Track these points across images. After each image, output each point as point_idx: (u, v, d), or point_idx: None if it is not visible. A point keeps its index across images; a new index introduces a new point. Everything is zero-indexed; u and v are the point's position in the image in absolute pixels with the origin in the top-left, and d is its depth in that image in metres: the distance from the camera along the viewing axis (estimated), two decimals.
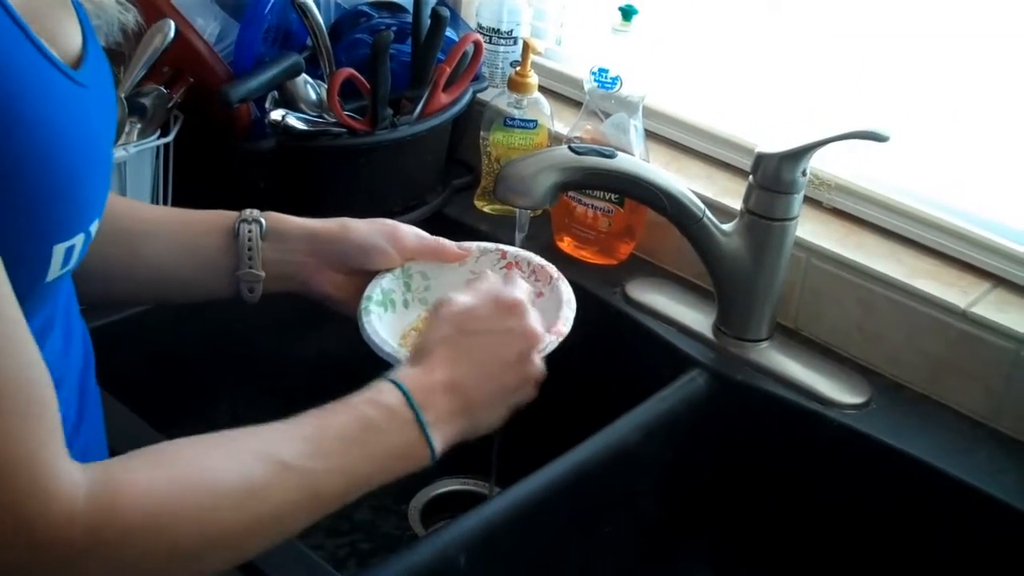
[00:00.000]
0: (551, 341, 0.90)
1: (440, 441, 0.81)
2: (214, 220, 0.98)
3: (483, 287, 0.90)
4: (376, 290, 0.97)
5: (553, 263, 1.02)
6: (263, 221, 0.97)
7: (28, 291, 0.65)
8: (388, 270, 0.99)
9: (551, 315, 0.93)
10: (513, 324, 0.88)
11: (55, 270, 0.69)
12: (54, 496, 0.61)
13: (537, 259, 1.01)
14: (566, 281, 0.98)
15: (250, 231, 0.96)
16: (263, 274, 0.97)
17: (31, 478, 0.61)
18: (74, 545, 0.62)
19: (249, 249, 0.96)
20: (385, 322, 0.95)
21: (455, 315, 0.88)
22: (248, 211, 0.97)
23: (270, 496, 0.72)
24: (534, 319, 0.89)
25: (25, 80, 0.63)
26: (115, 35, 0.81)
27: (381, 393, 0.81)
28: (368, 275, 0.98)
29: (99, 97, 0.73)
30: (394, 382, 0.81)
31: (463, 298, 0.89)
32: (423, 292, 1.00)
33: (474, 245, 1.02)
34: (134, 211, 0.97)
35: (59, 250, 0.68)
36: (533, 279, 0.99)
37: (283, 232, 0.98)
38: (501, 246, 1.02)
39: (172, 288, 0.98)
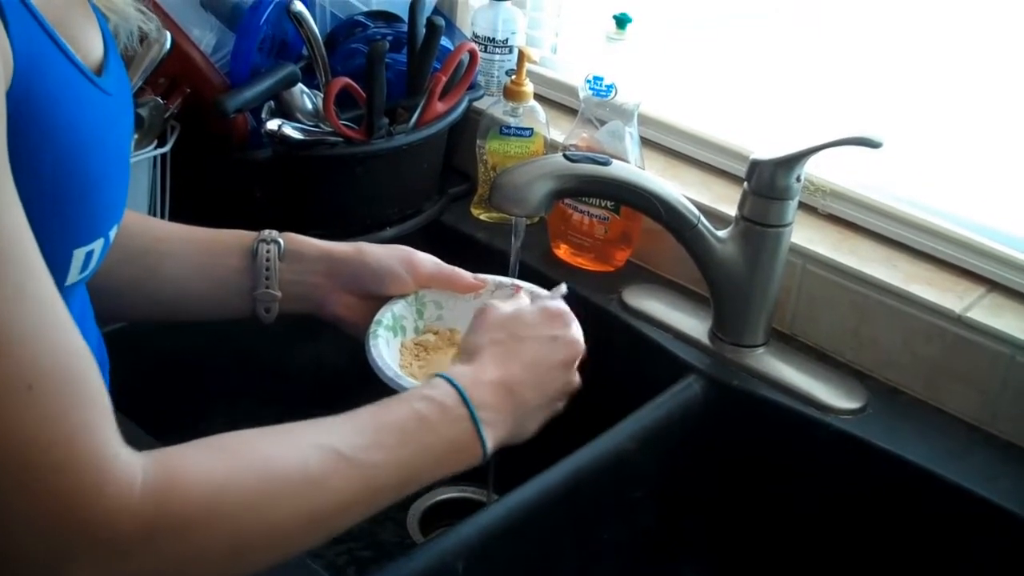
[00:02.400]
0: None
1: (491, 439, 0.83)
2: (232, 240, 0.98)
3: (529, 304, 0.94)
4: (387, 315, 0.97)
5: (549, 271, 1.02)
6: (281, 241, 0.97)
7: None
8: (401, 296, 0.99)
9: None
10: (560, 332, 0.91)
11: (74, 274, 0.69)
12: (110, 482, 0.60)
13: (545, 293, 1.01)
14: (578, 324, 0.98)
15: (268, 251, 0.97)
16: (280, 294, 0.97)
17: (85, 463, 0.59)
18: (131, 534, 0.61)
19: (267, 269, 0.97)
20: (392, 347, 0.95)
21: (504, 319, 0.90)
22: (267, 232, 0.98)
23: (328, 486, 0.72)
24: (577, 330, 0.92)
25: (54, 85, 0.64)
26: (135, 44, 0.82)
27: (435, 389, 0.82)
28: (382, 299, 0.99)
29: (120, 104, 0.74)
30: (448, 379, 0.83)
31: (508, 305, 0.92)
32: (435, 321, 1.01)
33: (490, 278, 1.02)
34: (151, 229, 0.98)
35: (79, 254, 0.69)
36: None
37: (300, 253, 0.98)
38: (517, 282, 1.03)
39: (189, 307, 0.98)
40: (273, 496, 0.69)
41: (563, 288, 1.01)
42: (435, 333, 1.01)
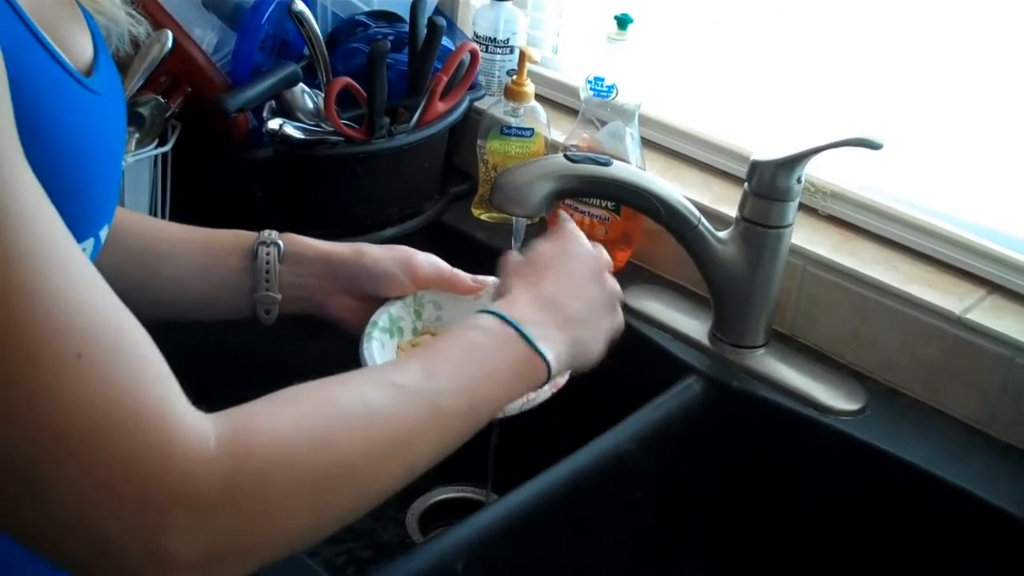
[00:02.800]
0: (543, 391, 0.90)
1: (553, 354, 0.83)
2: (233, 241, 0.98)
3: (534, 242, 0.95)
4: (383, 316, 0.97)
5: None
6: (281, 243, 0.97)
7: None
8: (399, 297, 0.99)
9: None
10: (576, 248, 0.93)
11: None
12: (184, 441, 0.59)
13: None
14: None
15: (268, 253, 0.97)
16: (279, 296, 0.97)
17: (161, 426, 0.59)
18: (213, 494, 0.60)
19: (267, 271, 0.97)
20: (388, 349, 0.95)
21: (521, 261, 0.92)
22: (267, 233, 0.98)
23: (394, 415, 0.72)
24: (590, 244, 0.94)
25: (39, 85, 0.64)
26: (126, 46, 0.82)
27: (478, 319, 0.83)
28: (381, 301, 0.99)
29: (111, 104, 0.74)
30: (486, 311, 0.84)
31: (514, 254, 0.95)
32: (433, 322, 1.01)
33: (490, 280, 1.02)
34: (151, 230, 0.98)
35: None
36: None
37: (300, 255, 0.98)
38: None
39: (189, 308, 0.98)
40: (344, 431, 0.68)
41: (565, 215, 1.02)
42: (433, 334, 1.01)
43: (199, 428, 0.61)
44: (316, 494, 0.66)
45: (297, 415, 0.67)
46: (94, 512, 0.57)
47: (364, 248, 0.99)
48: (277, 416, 0.66)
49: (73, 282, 0.58)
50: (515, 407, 0.88)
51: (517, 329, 0.82)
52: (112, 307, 0.60)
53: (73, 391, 0.56)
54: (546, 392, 0.90)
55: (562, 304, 0.87)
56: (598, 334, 0.90)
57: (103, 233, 0.73)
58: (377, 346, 0.94)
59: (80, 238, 0.69)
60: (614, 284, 0.94)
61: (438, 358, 0.78)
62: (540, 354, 0.82)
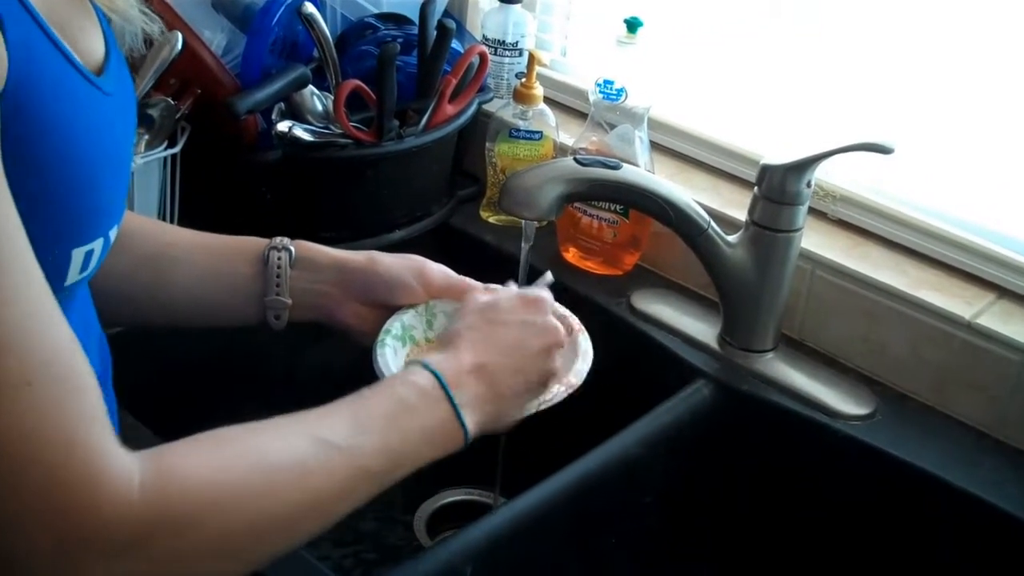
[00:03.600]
0: (559, 392, 0.91)
1: (472, 423, 0.83)
2: (244, 246, 0.98)
3: (507, 291, 0.95)
4: (396, 324, 0.97)
5: (558, 273, 1.02)
6: (292, 249, 0.97)
7: None
8: (411, 306, 0.99)
9: (566, 367, 0.94)
10: (536, 318, 0.91)
11: (74, 275, 0.69)
12: (108, 481, 0.59)
13: (561, 308, 1.00)
14: (587, 334, 0.99)
15: (279, 258, 0.97)
16: (290, 302, 0.97)
17: (82, 461, 0.59)
18: (131, 532, 0.60)
19: (277, 277, 0.96)
20: (400, 357, 0.95)
21: (480, 306, 0.91)
22: (279, 239, 0.98)
23: (321, 474, 0.72)
24: (552, 318, 0.92)
25: (50, 84, 0.64)
26: (139, 45, 0.82)
27: (412, 375, 0.83)
28: (392, 309, 0.98)
29: (121, 105, 0.74)
30: (424, 365, 0.83)
31: (486, 296, 0.94)
32: (445, 332, 1.00)
33: (502, 289, 1.01)
34: (162, 235, 0.98)
35: (78, 254, 0.68)
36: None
37: (312, 261, 0.98)
38: None
39: (199, 313, 0.98)
40: (268, 486, 0.69)
41: (548, 277, 1.01)
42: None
43: (125, 469, 0.61)
44: (230, 548, 0.67)
45: (224, 465, 0.67)
46: (9, 537, 0.58)
47: (377, 256, 0.99)
48: (204, 465, 0.66)
49: (28, 310, 0.58)
50: (532, 407, 0.90)
51: (448, 395, 0.82)
52: (61, 336, 0.61)
53: (16, 416, 0.57)
54: (562, 393, 0.91)
55: (498, 375, 0.86)
56: (517, 410, 0.89)
57: (112, 233, 0.73)
58: (391, 353, 0.93)
59: (89, 238, 0.69)
60: (555, 364, 0.92)
61: (368, 414, 0.78)
62: (461, 423, 0.82)
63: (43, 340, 0.59)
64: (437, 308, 1.00)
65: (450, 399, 0.82)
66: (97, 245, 0.70)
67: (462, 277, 1.01)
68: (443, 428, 0.82)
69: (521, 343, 0.89)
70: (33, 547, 0.58)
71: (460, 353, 0.86)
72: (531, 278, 1.08)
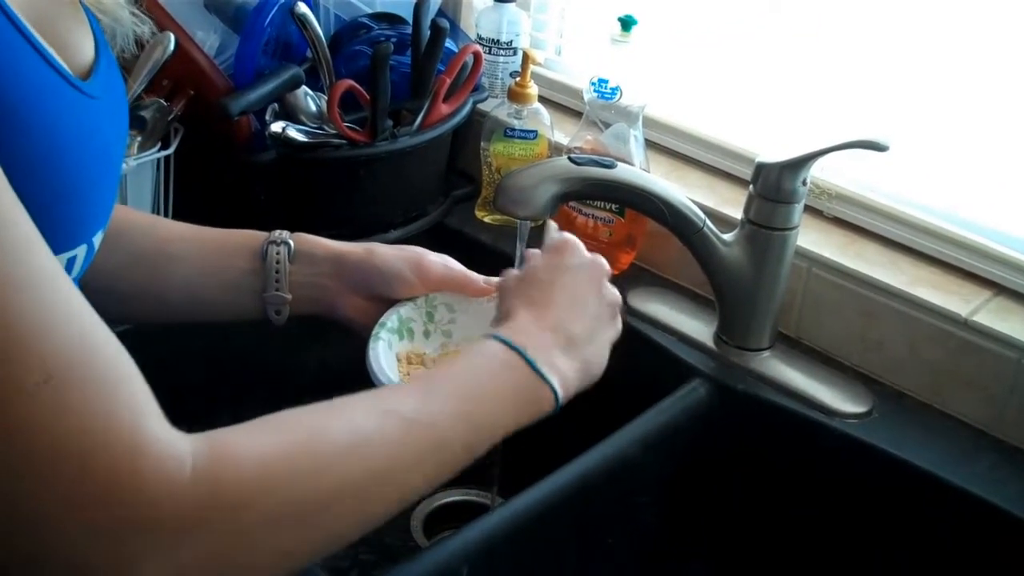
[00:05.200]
0: None
1: (558, 379, 0.82)
2: (242, 241, 0.98)
3: (530, 255, 0.94)
4: (392, 317, 0.96)
5: None
6: (291, 243, 0.97)
7: None
8: (410, 298, 0.98)
9: None
10: (571, 260, 0.91)
11: None
12: (161, 466, 0.58)
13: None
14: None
15: (278, 253, 0.96)
16: (290, 296, 0.96)
17: (134, 447, 0.57)
18: (184, 518, 0.59)
19: (276, 271, 0.96)
20: (394, 351, 0.94)
21: (518, 278, 0.91)
22: (277, 232, 0.97)
23: (384, 442, 0.70)
24: (585, 252, 0.92)
25: (30, 89, 0.63)
26: (131, 47, 0.81)
27: (481, 346, 0.82)
28: (392, 302, 0.98)
29: (109, 108, 0.73)
30: (490, 336, 0.82)
31: (518, 270, 0.93)
32: (447, 324, 0.99)
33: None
34: (158, 230, 0.97)
35: (60, 261, 0.67)
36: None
37: (310, 255, 0.97)
38: None
39: (198, 309, 0.98)
40: (326, 461, 0.67)
41: (552, 225, 1.01)
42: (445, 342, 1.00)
43: (175, 451, 0.59)
44: (295, 525, 0.65)
45: (280, 442, 0.66)
46: (63, 538, 0.56)
47: (375, 247, 0.99)
48: (258, 442, 0.65)
49: (44, 303, 0.57)
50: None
51: (522, 355, 0.81)
52: (86, 327, 0.59)
53: (40, 415, 0.55)
54: None
55: (566, 325, 0.85)
56: (602, 349, 0.89)
57: (97, 239, 0.72)
58: (384, 347, 0.93)
59: (73, 243, 0.68)
60: (613, 292, 0.92)
61: (438, 383, 0.77)
62: (547, 382, 0.81)
63: (57, 332, 0.57)
64: (438, 300, 0.99)
65: (526, 359, 0.80)
66: (80, 251, 0.69)
67: (463, 269, 1.00)
68: (527, 390, 0.80)
69: (571, 288, 0.88)
70: (89, 547, 0.56)
71: (519, 321, 0.85)
72: None
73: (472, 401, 0.77)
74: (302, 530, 0.65)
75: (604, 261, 0.93)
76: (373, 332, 0.94)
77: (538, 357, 0.81)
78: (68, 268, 0.69)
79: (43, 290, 0.57)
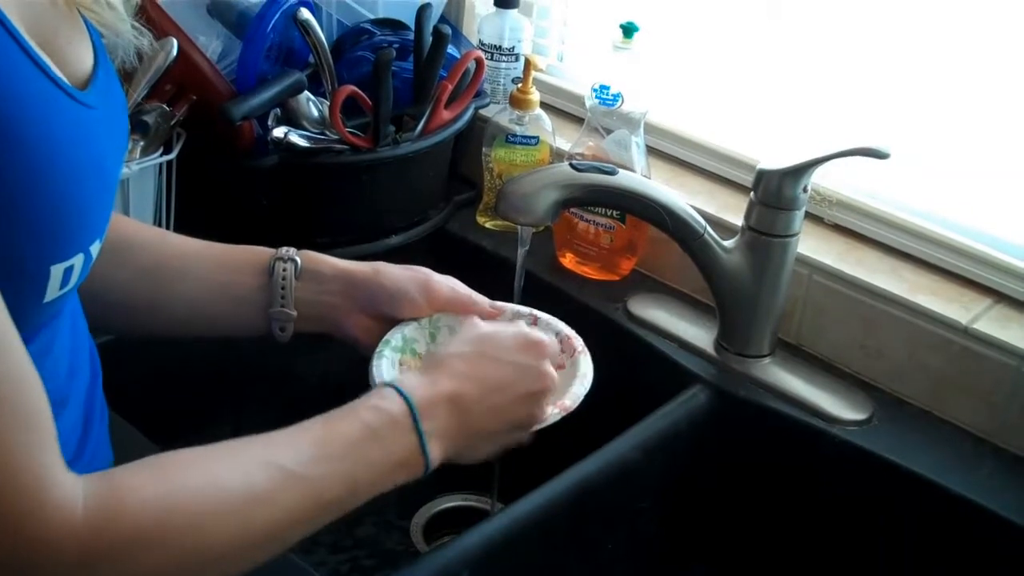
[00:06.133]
0: (554, 414, 0.90)
1: (436, 455, 0.81)
2: (249, 258, 0.97)
3: (511, 326, 0.92)
4: (397, 336, 0.95)
5: (555, 280, 1.01)
6: (298, 260, 0.96)
7: (25, 312, 0.64)
8: (415, 318, 0.97)
9: (563, 388, 0.93)
10: (532, 361, 0.88)
11: (53, 291, 0.68)
12: (50, 507, 0.60)
13: (566, 329, 0.99)
14: (588, 356, 0.97)
15: (284, 269, 0.95)
16: (295, 314, 0.96)
17: (24, 487, 0.59)
18: (73, 559, 0.61)
19: (283, 288, 0.95)
20: (396, 370, 0.94)
21: (477, 336, 0.89)
22: (284, 249, 0.97)
23: (274, 502, 0.71)
24: (551, 368, 0.90)
25: (24, 99, 0.63)
26: (131, 59, 0.81)
27: (384, 400, 0.81)
28: (397, 321, 0.97)
29: (107, 118, 0.73)
30: (399, 390, 0.81)
31: (489, 325, 0.91)
32: (434, 353, 0.99)
33: (508, 307, 1.00)
34: (165, 246, 0.97)
35: (56, 270, 0.67)
36: (558, 349, 0.97)
37: (317, 272, 0.97)
38: (535, 312, 1.01)
39: (203, 323, 0.97)
40: (218, 515, 0.68)
41: (558, 325, 1.00)
42: None
43: (68, 494, 0.61)
44: (179, 572, 0.67)
45: (173, 490, 0.67)
46: None
47: (382, 267, 0.98)
48: (153, 490, 0.66)
49: None
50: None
51: (417, 428, 0.80)
52: (16, 369, 0.60)
53: None
54: (556, 415, 0.90)
55: (472, 410, 0.84)
56: (488, 447, 0.88)
57: (94, 248, 0.72)
58: (387, 365, 0.92)
59: (68, 254, 0.68)
60: (542, 412, 0.89)
61: (333, 440, 0.77)
62: (425, 455, 0.80)
63: None
64: (441, 322, 0.98)
65: (418, 429, 0.80)
66: (77, 261, 0.69)
67: (469, 292, 0.99)
68: (407, 459, 0.80)
69: (508, 384, 0.87)
70: None
71: (440, 379, 0.84)
72: (527, 284, 1.08)
73: (358, 464, 0.77)
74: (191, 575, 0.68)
75: (553, 382, 0.90)
76: (377, 350, 0.94)
77: (429, 430, 0.81)
78: (66, 278, 0.69)
79: None
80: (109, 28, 0.76)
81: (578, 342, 0.98)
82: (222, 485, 0.70)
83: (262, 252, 0.97)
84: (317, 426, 0.77)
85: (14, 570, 0.60)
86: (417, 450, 0.80)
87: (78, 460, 0.75)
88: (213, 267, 0.96)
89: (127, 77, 1.14)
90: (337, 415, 0.79)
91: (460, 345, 0.88)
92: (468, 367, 0.86)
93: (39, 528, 0.60)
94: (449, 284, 0.99)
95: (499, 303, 1.00)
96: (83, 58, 0.72)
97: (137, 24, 0.79)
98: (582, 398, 0.92)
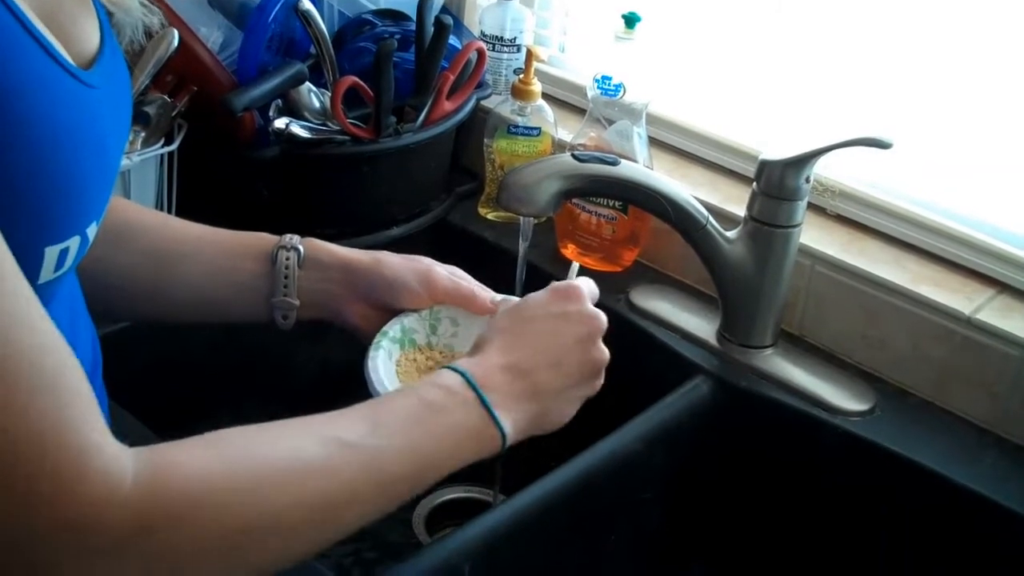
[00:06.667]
0: None
1: (510, 424, 0.80)
2: (252, 244, 0.97)
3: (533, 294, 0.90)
4: (396, 327, 0.95)
5: (557, 270, 1.01)
6: (301, 249, 0.96)
7: None
8: (415, 309, 0.97)
9: None
10: (569, 307, 0.88)
11: (47, 273, 0.67)
12: (99, 477, 0.58)
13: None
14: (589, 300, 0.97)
15: (288, 258, 0.95)
16: (298, 302, 0.95)
17: (73, 457, 0.58)
18: (121, 529, 0.59)
19: (285, 276, 0.95)
20: (394, 361, 0.93)
21: (511, 308, 0.89)
22: (288, 237, 0.96)
23: (329, 472, 0.70)
24: (589, 304, 0.89)
25: (25, 77, 0.62)
26: (140, 38, 0.81)
27: (440, 377, 0.80)
28: (398, 311, 0.97)
29: (110, 99, 0.72)
30: (452, 368, 0.81)
31: (516, 299, 0.91)
32: (449, 338, 0.97)
33: (512, 299, 0.98)
34: (169, 229, 0.96)
35: (51, 252, 0.66)
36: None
37: (320, 260, 0.96)
38: None
39: (203, 310, 0.97)
40: (271, 484, 0.67)
41: (575, 267, 1.00)
42: (452, 356, 0.98)
43: (115, 464, 0.60)
44: (231, 544, 0.65)
45: (223, 460, 0.66)
46: (6, 536, 0.57)
47: (383, 256, 0.97)
48: (201, 459, 0.65)
49: (3, 311, 0.57)
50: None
51: (478, 394, 0.79)
52: (42, 339, 0.59)
53: None
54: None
55: (534, 373, 0.83)
56: (566, 405, 0.87)
57: (91, 230, 0.71)
58: (384, 356, 0.92)
59: (64, 235, 0.67)
60: (601, 352, 0.89)
61: (389, 414, 0.76)
62: (497, 424, 0.80)
63: (19, 339, 0.57)
64: (442, 313, 0.97)
65: (481, 398, 0.79)
66: (73, 243, 0.68)
67: (470, 284, 0.98)
68: (476, 429, 0.79)
69: (555, 336, 0.86)
70: (24, 551, 0.57)
71: (489, 356, 0.83)
72: (529, 275, 1.08)
73: (422, 434, 0.76)
74: (239, 551, 0.66)
75: (603, 318, 0.89)
76: (374, 340, 0.93)
77: (494, 398, 0.80)
78: (61, 260, 0.68)
79: (2, 298, 0.57)
80: (119, 5, 0.76)
81: None
82: (276, 455, 0.68)
83: (266, 239, 0.97)
84: (373, 404, 0.77)
85: (59, 547, 0.58)
86: (487, 420, 0.79)
87: None
88: (215, 252, 0.96)
89: (128, 67, 1.14)
90: (393, 395, 0.79)
91: (497, 321, 0.88)
92: (512, 336, 0.85)
93: (88, 501, 0.58)
94: (451, 275, 0.98)
95: (500, 296, 0.99)
96: (89, 37, 0.71)
97: (147, 2, 0.78)
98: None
